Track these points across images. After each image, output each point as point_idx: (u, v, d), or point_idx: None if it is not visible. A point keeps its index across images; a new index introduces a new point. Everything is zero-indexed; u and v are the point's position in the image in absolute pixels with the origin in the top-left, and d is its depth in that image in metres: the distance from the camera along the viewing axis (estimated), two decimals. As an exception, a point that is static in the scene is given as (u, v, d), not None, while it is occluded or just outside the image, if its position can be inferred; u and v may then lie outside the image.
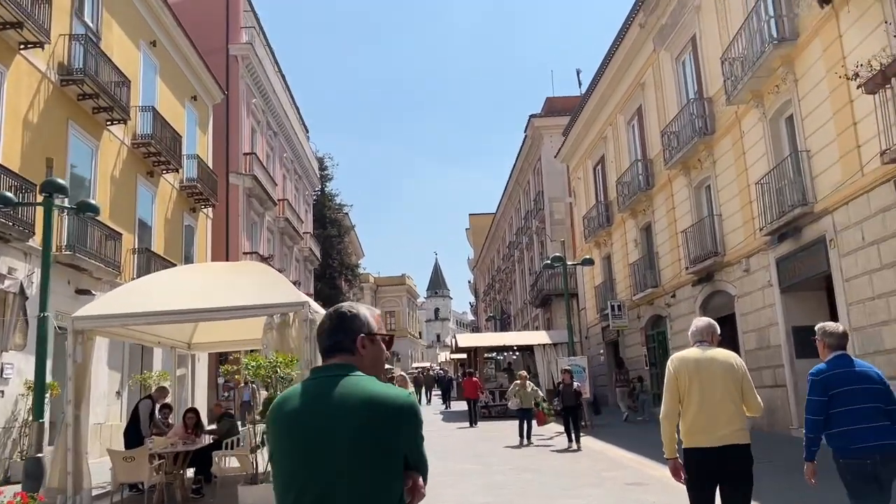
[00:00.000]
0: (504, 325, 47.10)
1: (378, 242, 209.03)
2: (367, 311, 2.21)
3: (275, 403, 2.11)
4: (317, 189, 51.56)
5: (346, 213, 57.03)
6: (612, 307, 23.38)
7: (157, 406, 11.42)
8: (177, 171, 21.61)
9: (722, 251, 16.91)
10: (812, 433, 4.51)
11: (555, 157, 32.99)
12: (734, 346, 14.86)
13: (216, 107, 27.26)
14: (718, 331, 4.75)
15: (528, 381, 16.05)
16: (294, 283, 37.80)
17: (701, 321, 4.78)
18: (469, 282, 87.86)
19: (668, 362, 4.67)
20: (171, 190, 22.03)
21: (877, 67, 9.56)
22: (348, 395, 2.00)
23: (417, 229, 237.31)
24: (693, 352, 4.64)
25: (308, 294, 42.87)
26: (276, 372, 8.53)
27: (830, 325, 4.72)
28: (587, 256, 22.48)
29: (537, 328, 37.28)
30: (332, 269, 51.96)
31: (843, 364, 4.49)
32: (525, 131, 38.65)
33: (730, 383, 4.50)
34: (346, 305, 2.21)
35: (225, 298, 9.54)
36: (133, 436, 10.81)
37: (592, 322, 28.37)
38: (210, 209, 25.63)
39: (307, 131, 46.83)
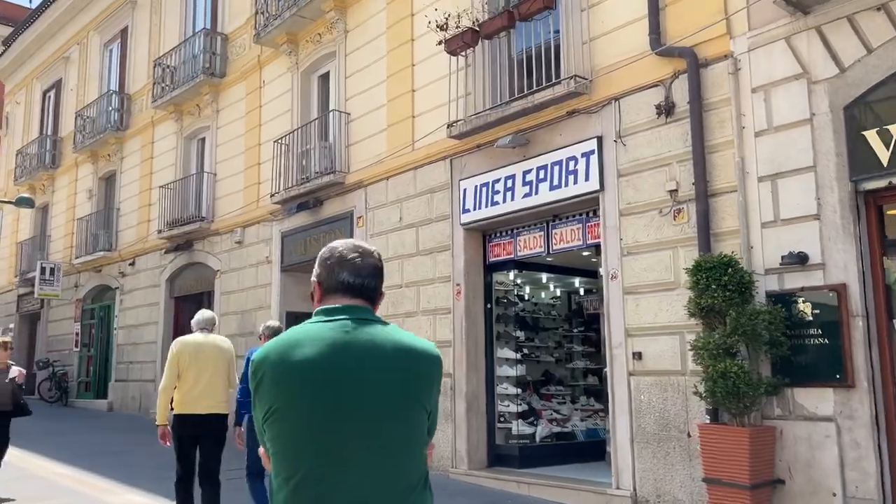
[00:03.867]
0: None
1: None
2: None
3: (275, 350, 1.77)
4: None
5: None
6: (44, 270, 18.08)
7: None
8: None
9: (210, 216, 14.17)
10: (241, 398, 5.74)
11: (-14, 68, 25.05)
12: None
13: None
14: (217, 321, 6.39)
15: None
16: None
17: (206, 313, 6.18)
18: None
19: (173, 344, 5.88)
20: None
21: (467, 24, 8.40)
22: (385, 342, 1.79)
23: None
24: (196, 336, 5.89)
25: None
26: None
27: (271, 322, 6.40)
28: (25, 195, 16.76)
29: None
30: None
31: None
32: (-59, 27, 28.77)
33: (221, 363, 5.82)
34: None
35: None
36: None
37: (6, 287, 21.92)
38: None
39: None
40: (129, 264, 16.54)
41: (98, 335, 17.84)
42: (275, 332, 6.09)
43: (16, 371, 7.29)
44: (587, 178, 7.50)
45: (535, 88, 7.91)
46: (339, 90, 11.49)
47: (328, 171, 11.12)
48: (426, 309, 9.39)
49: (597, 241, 7.60)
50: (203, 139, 15.28)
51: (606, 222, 7.34)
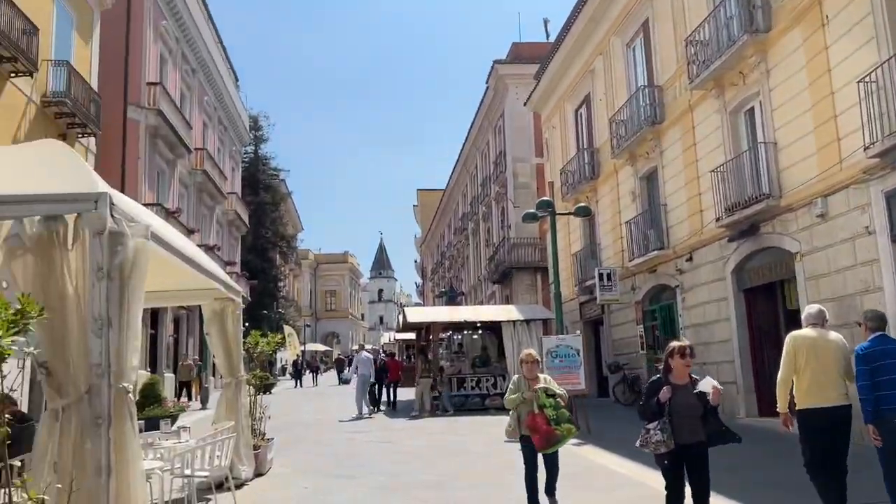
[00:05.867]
0: (453, 302, 42.11)
1: (318, 218, 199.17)
2: None
3: None
4: (247, 146, 45.49)
5: (283, 180, 51.15)
6: (601, 276, 18.61)
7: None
8: (30, 74, 15.76)
9: (777, 192, 12.25)
10: (864, 395, 5.37)
11: (525, 104, 28.08)
12: (793, 324, 10.15)
13: (108, 16, 21.24)
14: (827, 315, 6.04)
15: (541, 374, 6.87)
16: (213, 248, 32.02)
17: (814, 307, 6.06)
18: (415, 262, 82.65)
19: (788, 338, 5.93)
20: (25, 102, 16.22)
21: None
22: None
23: (361, 208, 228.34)
24: (809, 331, 5.89)
25: (232, 265, 36.68)
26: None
27: (871, 311, 5.85)
28: (582, 205, 17.55)
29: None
30: (264, 240, 46.15)
31: (881, 343, 5.45)
32: (487, 81, 33.66)
33: (840, 358, 5.71)
34: None
35: None
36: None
37: (567, 297, 23.65)
38: (90, 139, 19.69)
39: (237, 79, 40.63)
40: (686, 260, 15.68)
41: (662, 336, 17.45)
42: (880, 320, 5.58)
43: (708, 384, 5.06)
44: None
45: None
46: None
47: (958, 94, 8.18)
48: None
49: None
50: (751, 109, 13.51)
51: None
